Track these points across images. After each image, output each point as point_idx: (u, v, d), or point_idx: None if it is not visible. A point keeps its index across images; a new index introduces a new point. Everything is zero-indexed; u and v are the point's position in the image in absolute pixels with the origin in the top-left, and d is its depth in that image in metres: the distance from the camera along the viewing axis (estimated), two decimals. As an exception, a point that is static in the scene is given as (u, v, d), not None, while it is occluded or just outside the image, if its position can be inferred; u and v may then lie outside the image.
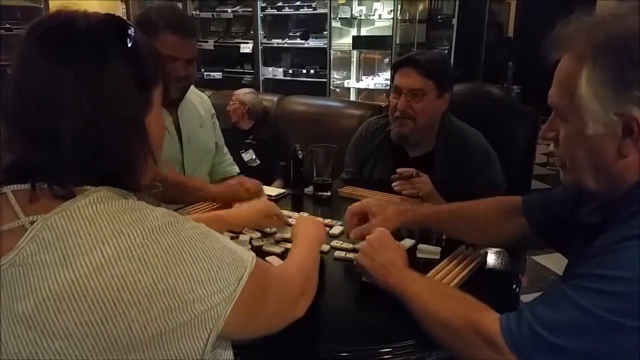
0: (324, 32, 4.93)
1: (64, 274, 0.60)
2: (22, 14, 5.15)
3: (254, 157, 3.07)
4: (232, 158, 2.11)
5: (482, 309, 0.88)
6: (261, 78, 5.41)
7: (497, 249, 1.31)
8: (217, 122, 2.04)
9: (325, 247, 1.29)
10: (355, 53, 5.03)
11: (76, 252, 0.61)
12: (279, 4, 5.13)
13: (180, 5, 5.18)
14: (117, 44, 0.70)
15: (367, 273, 1.07)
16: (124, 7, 5.86)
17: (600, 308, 0.72)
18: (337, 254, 1.27)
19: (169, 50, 1.56)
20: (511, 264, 1.27)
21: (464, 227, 1.25)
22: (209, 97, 2.06)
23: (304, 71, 5.19)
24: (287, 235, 1.31)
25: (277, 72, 5.36)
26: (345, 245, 1.30)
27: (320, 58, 5.03)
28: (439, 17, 4.97)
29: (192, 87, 1.84)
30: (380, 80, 4.87)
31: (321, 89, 4.98)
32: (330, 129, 2.75)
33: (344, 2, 4.84)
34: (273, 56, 5.50)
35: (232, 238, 1.33)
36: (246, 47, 5.37)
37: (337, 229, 1.42)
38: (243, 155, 3.02)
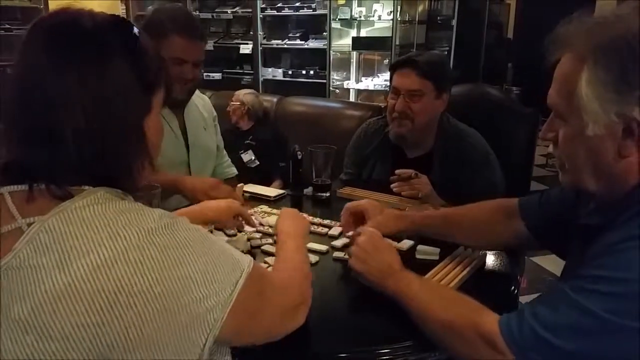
0: (324, 33, 4.93)
1: (60, 277, 0.60)
2: (22, 15, 5.15)
3: (253, 157, 3.07)
4: (230, 160, 2.11)
5: (480, 309, 0.88)
6: (261, 79, 5.41)
7: (497, 251, 1.31)
8: (218, 124, 2.04)
9: (324, 248, 1.30)
10: (354, 54, 5.03)
11: (73, 254, 0.61)
12: (278, 5, 5.14)
13: (180, 5, 5.18)
14: (122, 45, 0.69)
15: (363, 277, 1.07)
16: (124, 7, 5.87)
17: (601, 309, 0.72)
18: (336, 254, 1.27)
19: (177, 53, 1.56)
20: (510, 265, 1.27)
21: (461, 231, 1.25)
22: (208, 97, 2.06)
23: (304, 72, 5.19)
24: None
25: (277, 73, 5.36)
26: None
27: (319, 59, 5.04)
28: (438, 18, 4.98)
29: (196, 90, 1.83)
30: (380, 81, 4.87)
31: (321, 90, 4.98)
32: (329, 130, 2.75)
33: (343, 3, 4.84)
34: (273, 57, 5.50)
35: (230, 236, 1.33)
36: (246, 48, 5.37)
37: (336, 230, 1.42)
38: (242, 156, 3.02)
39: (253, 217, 1.40)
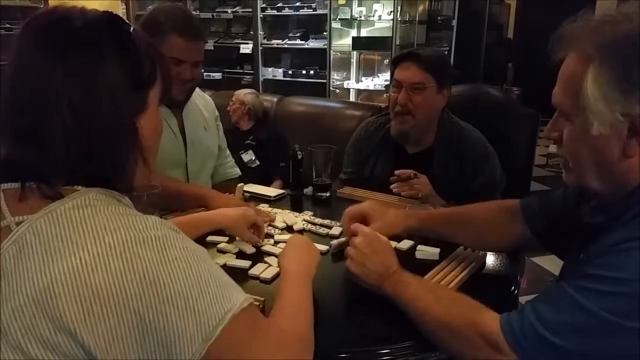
0: (324, 33, 4.93)
1: (41, 279, 0.59)
2: (22, 14, 5.14)
3: (253, 157, 3.07)
4: (233, 160, 2.10)
5: (480, 308, 0.88)
6: (261, 79, 5.41)
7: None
8: (221, 124, 2.03)
9: (324, 248, 1.30)
10: (355, 54, 5.03)
11: (55, 257, 0.59)
12: (279, 5, 5.14)
13: (179, 4, 5.18)
14: (112, 42, 0.68)
15: (362, 280, 1.06)
16: (124, 6, 5.87)
17: (601, 309, 0.72)
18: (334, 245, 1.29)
19: (176, 53, 1.55)
20: (510, 265, 1.27)
21: (464, 231, 1.24)
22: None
23: (304, 72, 5.19)
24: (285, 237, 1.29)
25: (277, 73, 5.36)
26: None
27: (320, 59, 5.03)
28: (438, 18, 4.98)
29: (197, 89, 1.82)
30: (380, 81, 4.87)
31: (321, 90, 4.98)
32: (329, 130, 2.75)
33: (343, 2, 4.84)
34: (273, 57, 5.50)
35: (229, 241, 1.33)
36: (246, 48, 5.37)
37: (336, 230, 1.42)
38: (243, 156, 3.02)
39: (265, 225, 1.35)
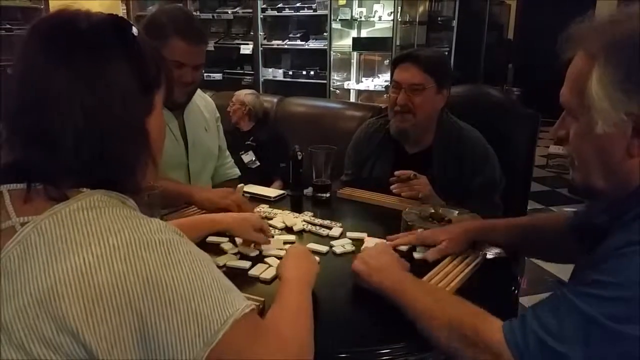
0: (324, 34, 4.93)
1: (45, 279, 0.59)
2: (22, 15, 5.15)
3: (253, 158, 3.07)
4: (233, 160, 2.11)
5: (481, 314, 0.87)
6: (261, 79, 5.41)
7: (496, 251, 1.31)
8: (221, 125, 2.04)
9: (324, 249, 1.30)
10: (355, 54, 5.03)
11: (59, 257, 0.60)
12: (279, 6, 5.14)
13: (181, 6, 5.18)
14: (119, 45, 0.69)
15: (364, 278, 1.07)
16: (124, 7, 5.87)
17: (602, 315, 0.72)
18: (336, 249, 1.30)
19: (177, 56, 1.55)
20: (510, 266, 1.27)
21: (527, 243, 1.24)
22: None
23: (304, 72, 5.19)
24: (272, 251, 1.28)
25: (277, 74, 5.36)
26: (347, 247, 1.31)
27: (320, 59, 5.03)
28: (439, 18, 4.98)
29: (198, 90, 1.83)
30: (380, 81, 4.87)
31: (321, 91, 4.98)
32: (330, 131, 2.75)
33: (344, 3, 4.84)
34: (273, 57, 5.50)
35: (230, 242, 1.33)
36: (246, 48, 5.37)
37: (336, 231, 1.42)
38: (243, 156, 3.03)
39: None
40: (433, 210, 1.48)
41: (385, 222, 1.49)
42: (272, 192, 1.79)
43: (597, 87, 0.78)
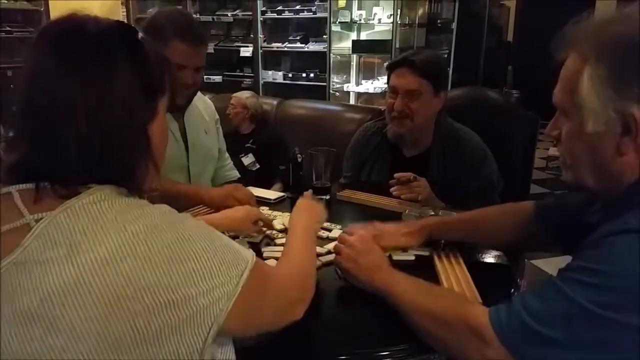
0: (324, 36, 4.94)
1: (68, 270, 0.61)
2: (22, 17, 5.16)
3: (253, 161, 3.07)
4: (232, 162, 2.11)
5: (469, 302, 0.90)
6: (261, 82, 5.42)
7: (496, 253, 1.31)
8: (221, 127, 2.04)
9: (324, 250, 1.30)
10: (354, 57, 5.04)
11: (80, 248, 0.62)
12: (279, 8, 5.15)
13: (181, 8, 5.19)
14: (126, 51, 0.71)
15: (352, 276, 1.09)
16: (124, 9, 5.88)
17: (586, 300, 0.73)
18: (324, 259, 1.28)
19: (177, 59, 1.55)
20: (509, 267, 1.27)
21: (477, 231, 1.27)
22: (208, 100, 2.06)
23: (304, 75, 5.20)
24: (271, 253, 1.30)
25: (277, 76, 5.37)
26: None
27: (319, 62, 5.04)
28: (438, 21, 4.98)
29: (198, 93, 1.83)
30: (380, 84, 4.87)
31: (321, 93, 4.98)
32: (329, 133, 2.75)
33: (343, 6, 4.85)
34: (273, 60, 5.51)
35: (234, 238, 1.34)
36: (246, 51, 5.38)
37: (336, 233, 1.42)
38: (243, 159, 3.02)
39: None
40: (432, 213, 1.48)
41: (385, 224, 1.48)
42: (272, 194, 1.79)
43: (587, 86, 0.79)
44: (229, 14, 5.50)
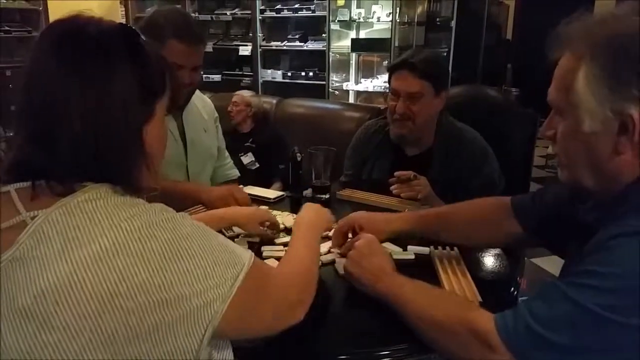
0: (323, 35, 4.94)
1: (62, 267, 0.61)
2: (21, 16, 5.15)
3: (253, 160, 3.07)
4: (232, 161, 2.11)
5: (475, 308, 0.88)
6: (260, 80, 5.42)
7: (496, 252, 1.31)
8: (220, 126, 2.04)
9: (324, 250, 1.29)
10: (354, 55, 5.04)
11: (74, 245, 0.62)
12: (277, 7, 5.14)
13: (179, 7, 5.18)
14: (127, 53, 0.71)
15: (356, 280, 1.07)
16: (123, 8, 5.87)
17: (592, 304, 0.73)
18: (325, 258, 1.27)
19: (175, 58, 1.55)
20: (509, 266, 1.27)
21: (456, 230, 1.25)
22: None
23: (303, 74, 5.20)
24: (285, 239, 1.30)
25: (276, 75, 5.37)
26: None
27: (319, 60, 5.04)
28: (437, 19, 4.97)
29: (196, 91, 1.83)
30: (379, 82, 4.87)
31: (320, 92, 4.98)
32: (329, 132, 2.75)
33: (342, 4, 4.84)
34: (272, 58, 5.51)
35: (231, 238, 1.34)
36: (245, 50, 5.38)
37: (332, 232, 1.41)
38: (242, 158, 3.02)
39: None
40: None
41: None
42: (271, 193, 1.79)
43: (583, 85, 0.79)
44: (228, 12, 5.50)
